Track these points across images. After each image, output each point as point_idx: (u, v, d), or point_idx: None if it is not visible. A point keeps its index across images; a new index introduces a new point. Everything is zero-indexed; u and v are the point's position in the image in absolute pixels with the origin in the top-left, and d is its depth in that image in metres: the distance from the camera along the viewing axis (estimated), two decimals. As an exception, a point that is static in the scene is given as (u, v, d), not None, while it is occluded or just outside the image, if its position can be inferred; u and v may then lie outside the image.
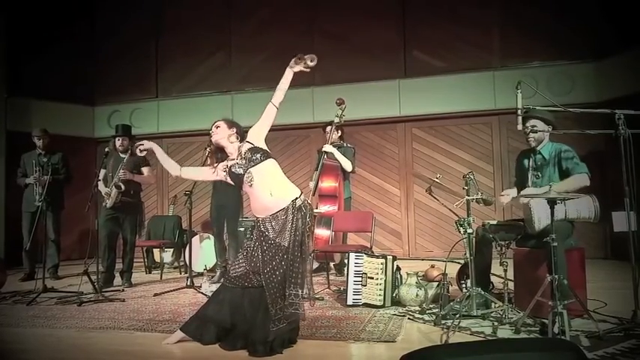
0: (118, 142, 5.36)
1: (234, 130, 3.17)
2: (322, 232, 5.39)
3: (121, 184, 5.11)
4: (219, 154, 3.20)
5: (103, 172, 5.35)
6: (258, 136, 3.11)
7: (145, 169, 5.49)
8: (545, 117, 3.64)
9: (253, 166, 2.98)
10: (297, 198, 2.99)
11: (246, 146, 3.08)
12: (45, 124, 6.30)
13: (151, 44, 8.69)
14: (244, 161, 3.02)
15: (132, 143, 5.32)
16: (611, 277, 5.07)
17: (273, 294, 2.86)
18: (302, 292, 2.92)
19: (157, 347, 3.07)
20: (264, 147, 3.10)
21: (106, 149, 4.98)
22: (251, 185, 2.98)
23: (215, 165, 3.19)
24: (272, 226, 2.96)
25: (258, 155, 3.00)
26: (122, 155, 5.28)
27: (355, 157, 5.88)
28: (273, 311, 2.83)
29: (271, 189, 2.96)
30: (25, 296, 4.68)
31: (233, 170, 3.06)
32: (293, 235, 2.93)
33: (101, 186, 5.30)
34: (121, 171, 5.16)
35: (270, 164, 3.02)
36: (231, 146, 3.15)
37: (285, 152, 7.92)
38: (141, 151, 3.24)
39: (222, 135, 3.16)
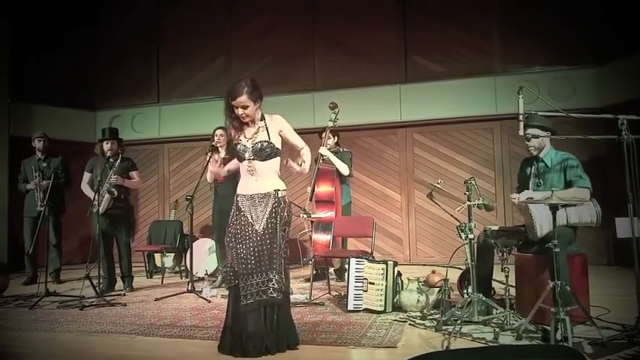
0: (107, 146, 5.19)
1: (259, 103, 3.07)
2: (322, 237, 5.37)
3: (114, 189, 5.03)
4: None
5: (88, 175, 5.34)
6: (276, 135, 3.08)
7: (133, 174, 5.43)
8: (542, 124, 3.62)
9: (259, 160, 3.01)
10: (279, 190, 3.04)
11: (261, 135, 3.04)
12: (47, 129, 6.33)
13: (152, 49, 8.70)
14: (251, 148, 3.02)
15: (121, 147, 5.27)
16: (614, 284, 5.05)
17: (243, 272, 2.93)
18: (277, 276, 2.92)
19: (157, 352, 3.07)
20: (278, 144, 3.08)
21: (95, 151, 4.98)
22: (251, 173, 3.02)
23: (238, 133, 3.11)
24: (249, 206, 3.01)
25: (267, 151, 3.01)
26: (111, 160, 5.12)
27: (352, 162, 5.83)
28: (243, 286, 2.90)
29: (261, 177, 3.02)
30: (28, 300, 4.70)
31: (239, 148, 3.06)
32: (268, 222, 2.98)
33: (87, 190, 5.30)
34: (113, 176, 5.09)
35: (274, 161, 3.06)
36: (254, 123, 3.10)
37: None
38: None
39: (251, 115, 3.05)
